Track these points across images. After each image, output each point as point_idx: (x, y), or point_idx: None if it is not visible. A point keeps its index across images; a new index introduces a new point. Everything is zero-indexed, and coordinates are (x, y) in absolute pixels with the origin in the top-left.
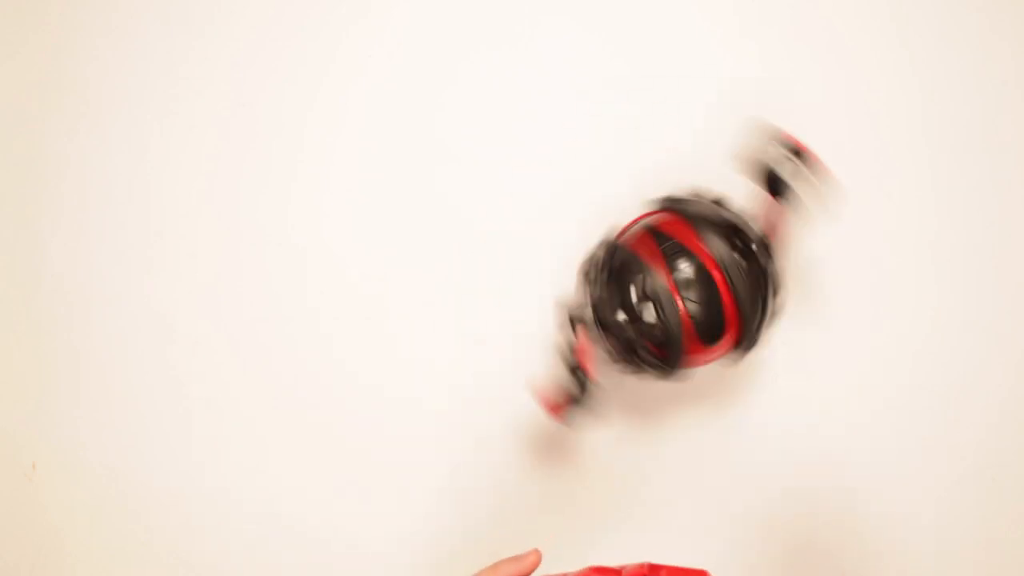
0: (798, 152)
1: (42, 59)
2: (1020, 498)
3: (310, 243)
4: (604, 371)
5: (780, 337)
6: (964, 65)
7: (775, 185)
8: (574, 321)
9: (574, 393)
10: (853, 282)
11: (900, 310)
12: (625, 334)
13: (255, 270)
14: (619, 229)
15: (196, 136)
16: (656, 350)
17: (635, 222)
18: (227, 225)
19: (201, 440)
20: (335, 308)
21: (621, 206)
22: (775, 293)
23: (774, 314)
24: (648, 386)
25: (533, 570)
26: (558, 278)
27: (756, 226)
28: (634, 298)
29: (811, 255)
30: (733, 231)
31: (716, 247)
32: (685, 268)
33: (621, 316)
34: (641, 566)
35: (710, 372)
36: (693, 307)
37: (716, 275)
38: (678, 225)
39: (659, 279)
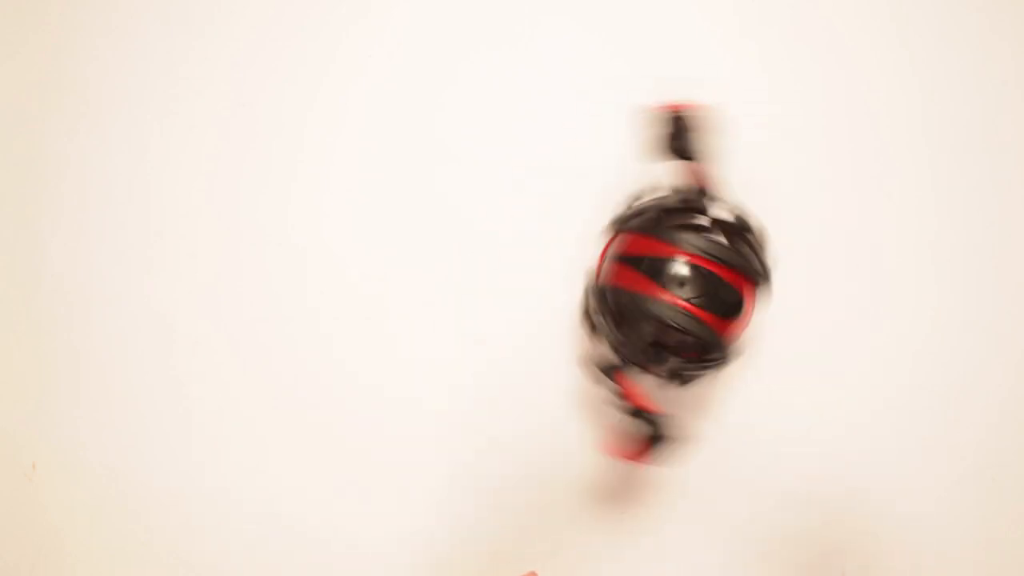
0: (679, 114)
1: (42, 59)
2: (1020, 498)
3: (310, 243)
4: (662, 396)
5: (780, 337)
6: (964, 65)
7: (680, 152)
8: (608, 371)
9: (649, 434)
10: (853, 282)
11: (900, 310)
12: (665, 363)
13: (255, 270)
14: (594, 271)
15: (196, 136)
16: (699, 355)
17: (603, 258)
18: (227, 225)
19: (201, 440)
20: (335, 308)
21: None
22: (748, 227)
23: (763, 242)
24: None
25: None
26: (558, 278)
27: (691, 188)
28: (651, 329)
29: (811, 255)
30: (681, 211)
31: (683, 240)
32: (673, 275)
33: (649, 350)
34: None
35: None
36: (702, 301)
37: (701, 263)
38: (641, 241)
39: (658, 300)
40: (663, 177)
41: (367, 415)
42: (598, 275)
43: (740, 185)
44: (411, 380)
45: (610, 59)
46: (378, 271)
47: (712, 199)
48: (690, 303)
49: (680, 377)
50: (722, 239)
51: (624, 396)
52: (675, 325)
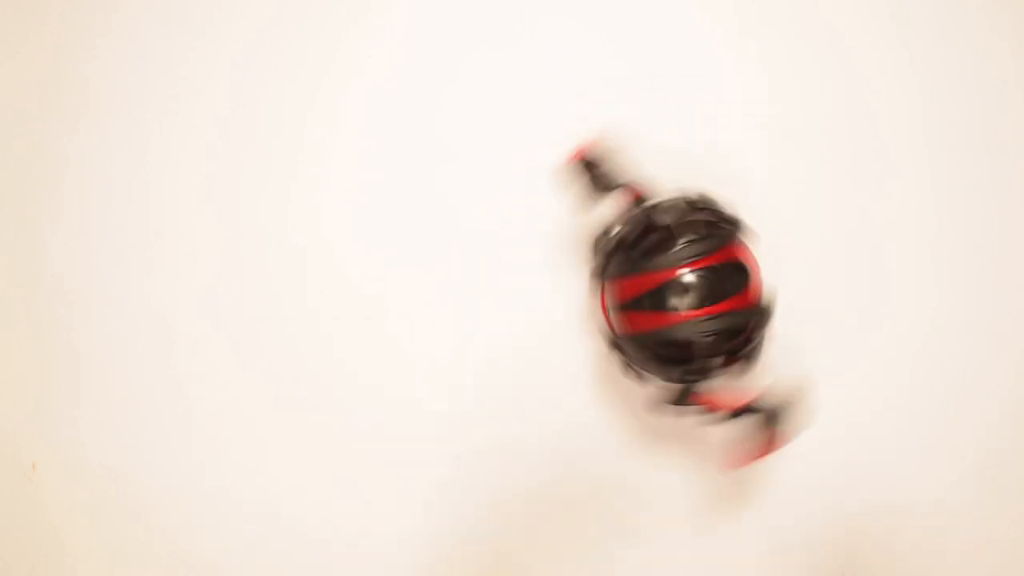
0: (583, 158)
1: (42, 59)
2: (1020, 498)
3: (310, 243)
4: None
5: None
6: (964, 65)
7: (605, 187)
8: (683, 400)
9: (764, 420)
10: (853, 282)
11: (900, 310)
12: (722, 363)
13: (255, 270)
14: (605, 326)
15: (196, 136)
16: (746, 334)
17: (606, 312)
18: (227, 225)
19: (201, 440)
20: (335, 308)
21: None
22: (694, 201)
23: (713, 202)
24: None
25: None
26: (558, 278)
27: (632, 208)
28: (691, 351)
29: (811, 256)
30: (641, 234)
31: (661, 261)
32: (676, 296)
33: (702, 363)
34: None
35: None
36: (714, 297)
37: (690, 267)
38: (628, 284)
39: (679, 325)
40: (607, 212)
41: (367, 415)
42: (611, 329)
43: (740, 186)
44: (411, 380)
45: (610, 59)
46: (378, 271)
47: (655, 206)
48: (706, 307)
49: (746, 359)
50: (689, 231)
51: (714, 409)
52: (709, 333)
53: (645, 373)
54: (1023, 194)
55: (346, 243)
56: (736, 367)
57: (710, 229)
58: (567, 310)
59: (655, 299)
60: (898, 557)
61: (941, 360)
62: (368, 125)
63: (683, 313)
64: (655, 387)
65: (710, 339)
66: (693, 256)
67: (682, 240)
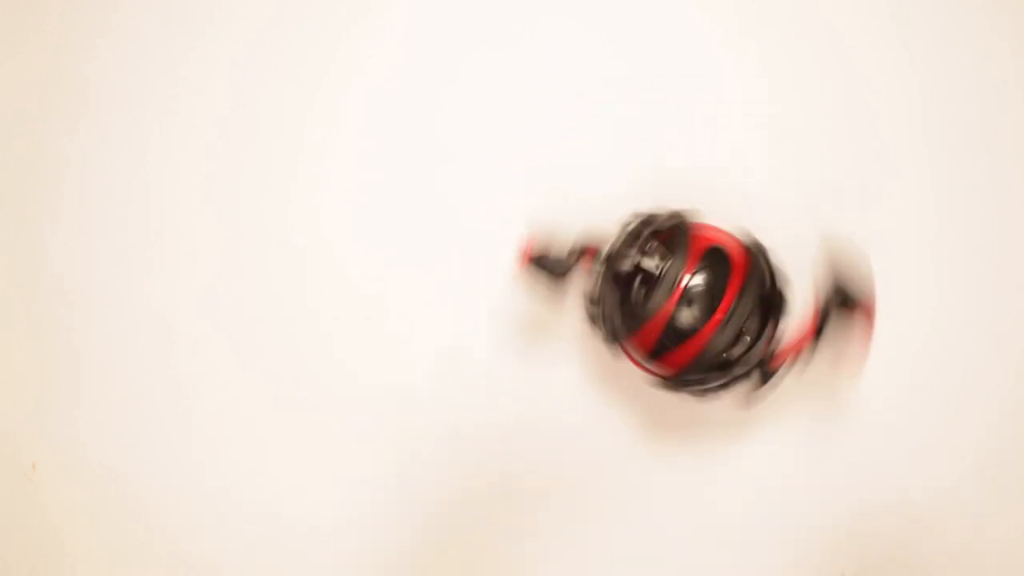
0: (532, 258)
1: (42, 59)
2: (1020, 498)
3: (310, 243)
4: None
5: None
6: (964, 65)
7: (563, 273)
8: (765, 377)
9: (844, 303)
10: None
11: (900, 310)
12: (620, 277)
13: (255, 270)
14: (653, 378)
15: (196, 136)
16: (777, 296)
17: (642, 367)
18: (227, 225)
19: (201, 440)
20: (335, 308)
21: (620, 206)
22: (648, 222)
23: (657, 216)
24: (645, 394)
25: None
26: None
27: (596, 265)
28: (736, 352)
29: (810, 255)
30: (625, 283)
31: (657, 298)
32: (686, 317)
33: (759, 341)
34: None
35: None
36: (714, 291)
37: (684, 282)
38: (641, 336)
39: (713, 338)
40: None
41: (367, 415)
42: (659, 375)
43: (740, 186)
44: (411, 380)
45: (610, 59)
46: (378, 271)
47: (611, 256)
48: (718, 307)
49: (781, 307)
50: (654, 259)
51: (801, 349)
52: (741, 322)
53: (719, 389)
54: (1023, 194)
55: (346, 243)
56: (781, 319)
57: (666, 243)
58: (567, 310)
59: (673, 335)
60: (898, 557)
61: (941, 360)
62: (368, 125)
63: (706, 327)
64: (734, 392)
65: (746, 323)
66: (674, 279)
67: (655, 269)
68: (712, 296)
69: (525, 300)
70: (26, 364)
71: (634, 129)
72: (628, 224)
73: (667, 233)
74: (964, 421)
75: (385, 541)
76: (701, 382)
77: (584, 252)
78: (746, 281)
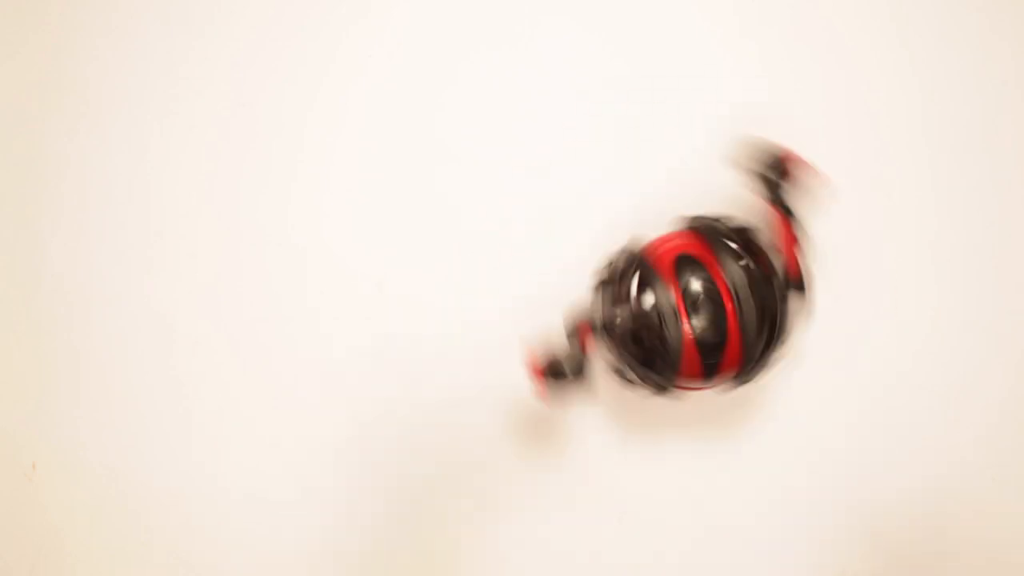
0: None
1: (42, 59)
2: (1020, 498)
3: (310, 243)
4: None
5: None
6: (964, 65)
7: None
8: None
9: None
10: (853, 282)
11: (900, 310)
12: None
13: (255, 270)
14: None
15: (196, 136)
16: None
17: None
18: (227, 225)
19: (201, 440)
20: (335, 308)
21: (620, 206)
22: (781, 338)
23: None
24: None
25: None
26: (558, 277)
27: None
28: (645, 307)
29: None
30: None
31: (671, 331)
32: (697, 291)
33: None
34: None
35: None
36: (699, 330)
37: (728, 305)
38: (686, 370)
39: (747, 346)
40: (601, 358)
41: (367, 415)
42: (733, 381)
43: (740, 186)
44: (411, 380)
45: (610, 59)
46: (378, 271)
47: (606, 326)
48: (723, 294)
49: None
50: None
51: (790, 253)
52: (747, 291)
53: (787, 339)
54: (1023, 194)
55: (346, 243)
56: (766, 251)
57: (639, 280)
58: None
59: (710, 348)
60: (898, 557)
61: (941, 360)
62: (368, 125)
63: (729, 320)
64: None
65: (751, 285)
66: (671, 305)
67: (649, 310)
68: (709, 294)
69: (524, 300)
70: (26, 364)
71: (634, 129)
72: (595, 285)
73: (631, 270)
74: (964, 421)
75: (386, 541)
76: (768, 352)
77: (581, 334)
78: (721, 260)
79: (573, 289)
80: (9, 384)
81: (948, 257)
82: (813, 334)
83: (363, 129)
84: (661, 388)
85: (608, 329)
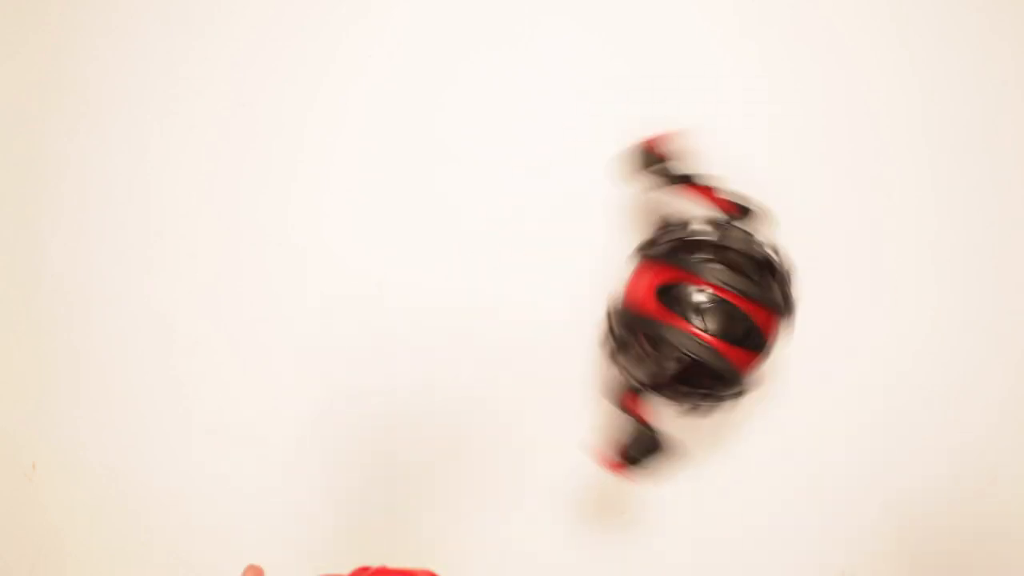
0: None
1: (42, 59)
2: (1020, 498)
3: (310, 243)
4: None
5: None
6: (964, 65)
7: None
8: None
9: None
10: (853, 282)
11: (900, 310)
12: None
13: (255, 270)
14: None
15: (196, 136)
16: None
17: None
18: (227, 225)
19: (201, 440)
20: (335, 308)
21: (620, 205)
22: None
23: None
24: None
25: None
26: (558, 277)
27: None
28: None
29: (811, 255)
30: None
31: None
32: (693, 304)
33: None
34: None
35: None
36: (719, 331)
37: (722, 294)
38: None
39: (678, 329)
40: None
41: (368, 415)
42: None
43: (739, 186)
44: (411, 380)
45: (610, 59)
46: (378, 271)
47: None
48: (707, 333)
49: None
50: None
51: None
52: (692, 355)
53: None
54: (1023, 194)
55: (346, 243)
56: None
57: (766, 286)
58: (567, 309)
59: (750, 340)
60: (898, 556)
61: (941, 360)
62: (368, 125)
63: (754, 306)
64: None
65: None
66: (735, 290)
67: (682, 348)
68: (704, 298)
69: (524, 300)
70: (26, 364)
71: (634, 129)
72: (609, 356)
73: (631, 328)
74: (964, 421)
75: (387, 541)
76: (785, 285)
77: (631, 408)
78: (687, 267)
79: (573, 287)
80: (9, 384)
81: (948, 257)
82: (813, 334)
83: (363, 129)
84: (740, 393)
85: (656, 388)
